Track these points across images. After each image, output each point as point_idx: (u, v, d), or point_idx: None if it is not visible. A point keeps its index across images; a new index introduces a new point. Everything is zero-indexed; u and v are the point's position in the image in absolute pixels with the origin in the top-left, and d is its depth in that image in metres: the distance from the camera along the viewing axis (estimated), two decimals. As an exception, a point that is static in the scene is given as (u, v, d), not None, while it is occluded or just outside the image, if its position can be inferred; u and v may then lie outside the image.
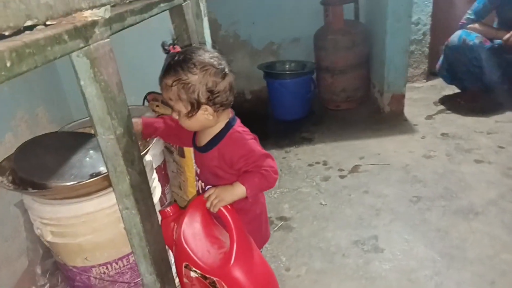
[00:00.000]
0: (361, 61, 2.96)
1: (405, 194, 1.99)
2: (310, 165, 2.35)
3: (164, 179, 1.69)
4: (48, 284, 1.34)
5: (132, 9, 0.90)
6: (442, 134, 2.55)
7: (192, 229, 1.05)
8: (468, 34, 2.71)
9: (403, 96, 2.83)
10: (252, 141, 1.04)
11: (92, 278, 1.20)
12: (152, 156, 1.55)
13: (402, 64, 2.74)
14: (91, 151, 1.23)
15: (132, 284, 1.28)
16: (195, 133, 1.14)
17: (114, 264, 1.21)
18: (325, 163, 2.35)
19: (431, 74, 3.45)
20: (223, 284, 1.00)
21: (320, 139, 2.66)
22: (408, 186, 2.05)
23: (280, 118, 3.02)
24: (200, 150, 1.10)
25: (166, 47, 1.01)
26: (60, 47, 0.67)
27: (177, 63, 0.96)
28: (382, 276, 1.50)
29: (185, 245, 1.03)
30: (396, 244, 1.66)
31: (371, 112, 2.98)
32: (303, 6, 3.17)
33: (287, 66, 3.14)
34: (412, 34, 3.18)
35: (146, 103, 1.81)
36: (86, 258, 1.17)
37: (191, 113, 0.99)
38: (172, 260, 1.14)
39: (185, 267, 1.04)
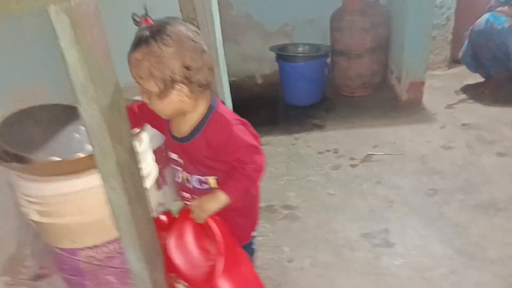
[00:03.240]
0: (379, 45, 2.80)
1: (421, 186, 1.87)
2: (320, 152, 2.24)
3: (165, 161, 1.60)
4: (38, 266, 1.27)
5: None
6: (463, 125, 2.40)
7: (180, 240, 1.01)
8: (496, 18, 2.53)
9: (422, 83, 2.67)
10: (239, 128, 0.93)
11: (79, 262, 1.13)
12: (151, 136, 1.46)
13: (423, 49, 2.58)
14: (82, 126, 1.14)
15: (123, 270, 1.20)
16: (168, 123, 1.01)
17: (103, 247, 1.13)
18: (336, 151, 2.23)
19: (453, 61, 3.26)
20: None
21: (332, 126, 2.54)
22: (424, 178, 1.93)
23: (292, 103, 2.90)
24: (182, 140, 0.97)
25: (137, 19, 0.87)
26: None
27: (150, 34, 0.83)
28: (393, 273, 1.40)
29: (171, 256, 0.98)
30: (410, 239, 1.55)
31: (387, 99, 2.83)
32: (319, -15, 3.01)
33: (301, 49, 3.00)
34: (435, 18, 2.98)
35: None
36: (73, 240, 1.09)
37: (164, 93, 0.86)
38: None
39: (172, 278, 1.00)
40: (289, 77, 2.81)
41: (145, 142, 1.24)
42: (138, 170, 0.89)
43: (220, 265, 0.93)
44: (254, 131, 0.96)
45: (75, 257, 1.11)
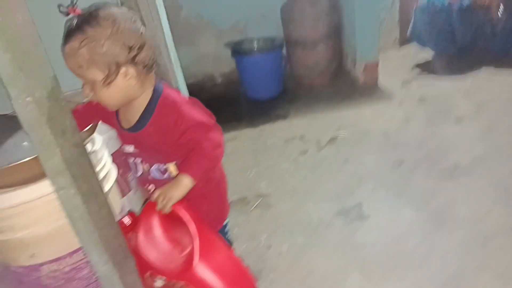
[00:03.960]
0: (332, 31, 2.84)
1: (386, 159, 1.90)
2: (286, 141, 2.23)
3: (126, 165, 1.53)
4: (-4, 291, 1.17)
5: None
6: (420, 98, 2.47)
7: (149, 236, 0.96)
8: (437, -5, 2.64)
9: (376, 64, 2.73)
10: (188, 107, 0.89)
11: (42, 278, 1.05)
12: (109, 138, 1.39)
13: (373, 30, 2.64)
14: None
15: (93, 280, 1.13)
16: (117, 115, 0.96)
17: (67, 258, 1.05)
18: (302, 138, 2.23)
19: (403, 41, 3.37)
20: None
21: (295, 115, 2.54)
22: (389, 152, 1.96)
23: (253, 98, 2.89)
24: (133, 130, 0.93)
25: (64, 9, 0.80)
26: None
27: (83, 21, 0.78)
28: (369, 246, 1.40)
29: (142, 254, 0.93)
30: (382, 211, 1.57)
31: (346, 84, 2.88)
32: (267, -21, 3.02)
33: (255, 44, 3.00)
34: (381, 0, 3.07)
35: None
36: (32, 255, 1.01)
37: (109, 79, 0.81)
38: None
39: (149, 276, 0.94)
40: (247, 72, 2.80)
41: (98, 143, 1.17)
42: (89, 164, 0.83)
43: (196, 249, 0.88)
44: (206, 109, 0.93)
45: (37, 274, 1.03)
